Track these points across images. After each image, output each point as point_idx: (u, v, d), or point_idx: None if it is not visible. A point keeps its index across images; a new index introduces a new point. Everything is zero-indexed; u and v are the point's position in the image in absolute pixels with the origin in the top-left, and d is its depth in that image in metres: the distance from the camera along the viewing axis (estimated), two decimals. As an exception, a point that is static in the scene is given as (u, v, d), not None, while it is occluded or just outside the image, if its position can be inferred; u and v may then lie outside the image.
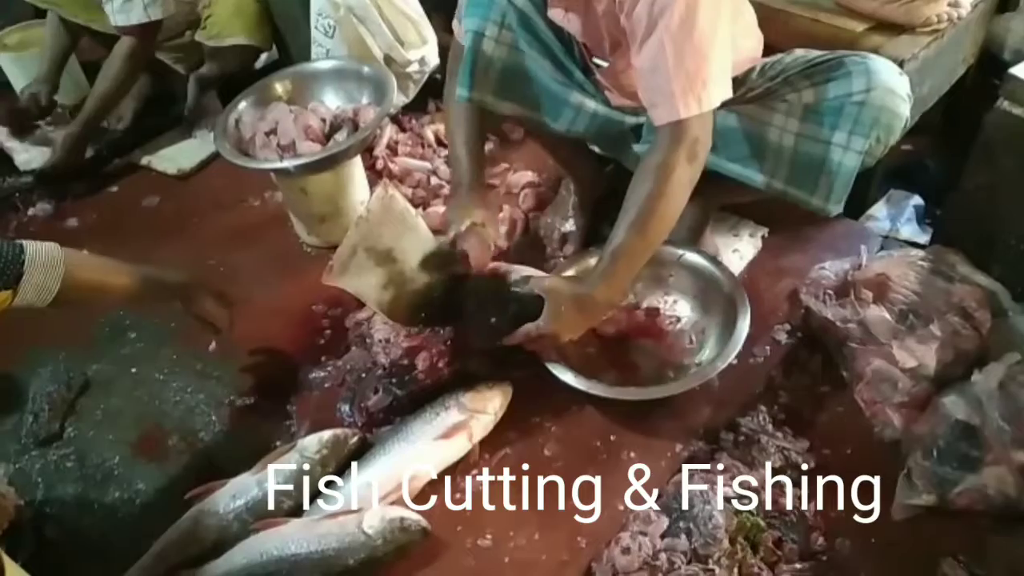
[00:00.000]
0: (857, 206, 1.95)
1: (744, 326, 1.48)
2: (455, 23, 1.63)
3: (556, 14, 1.47)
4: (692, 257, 1.63)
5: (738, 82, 1.50)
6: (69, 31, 2.42)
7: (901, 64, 1.63)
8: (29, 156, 2.36)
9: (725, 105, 1.42)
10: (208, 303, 1.56)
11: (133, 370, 1.78)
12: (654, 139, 1.38)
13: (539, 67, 1.54)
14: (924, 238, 1.94)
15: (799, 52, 1.53)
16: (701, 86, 1.30)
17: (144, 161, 2.40)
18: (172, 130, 2.48)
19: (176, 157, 2.39)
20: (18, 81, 2.56)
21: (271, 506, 1.40)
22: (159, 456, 1.60)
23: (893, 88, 1.41)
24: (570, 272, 1.64)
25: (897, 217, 2.05)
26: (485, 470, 1.47)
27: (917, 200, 2.08)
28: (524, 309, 1.42)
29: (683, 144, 1.32)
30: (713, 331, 1.57)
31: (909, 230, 2.01)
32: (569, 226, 1.86)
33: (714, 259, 1.64)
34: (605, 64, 1.47)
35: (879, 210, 2.07)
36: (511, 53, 1.52)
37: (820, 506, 1.37)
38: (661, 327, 1.62)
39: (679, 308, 1.64)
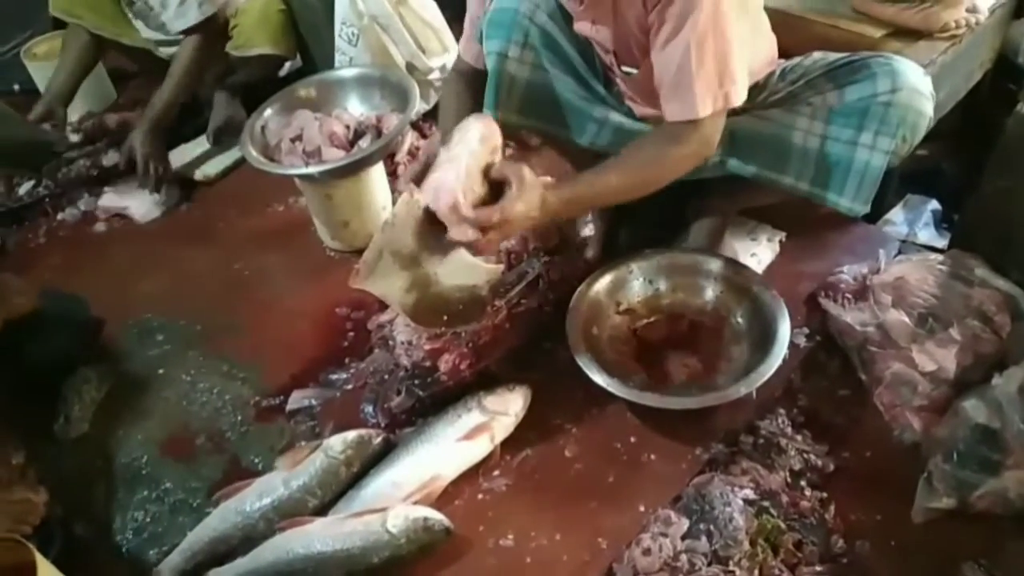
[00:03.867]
0: (875, 211, 1.95)
1: (776, 359, 1.45)
2: (463, 43, 1.65)
3: (583, 27, 1.49)
4: (745, 276, 1.62)
5: (759, 86, 1.51)
6: (95, 45, 2.45)
7: (919, 70, 1.64)
8: (146, 208, 2.30)
9: (748, 110, 1.44)
10: None
11: (160, 371, 1.81)
12: (667, 126, 1.40)
13: (563, 84, 1.57)
14: (941, 242, 1.94)
15: (817, 55, 1.54)
16: (720, 87, 1.33)
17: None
18: (198, 137, 2.52)
19: (202, 163, 2.43)
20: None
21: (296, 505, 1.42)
22: (186, 456, 1.63)
23: (918, 88, 1.42)
24: (607, 279, 1.65)
25: (914, 222, 2.05)
26: (507, 471, 1.49)
27: (934, 205, 2.08)
28: None
29: (694, 140, 1.37)
30: (749, 353, 1.54)
31: (927, 234, 2.01)
32: (588, 230, 1.88)
33: (764, 282, 1.61)
34: (635, 71, 1.48)
35: (896, 215, 2.07)
36: (534, 72, 1.55)
37: (839, 509, 1.38)
38: (700, 342, 1.62)
39: (723, 326, 1.63)
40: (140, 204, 2.28)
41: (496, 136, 1.38)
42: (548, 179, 1.37)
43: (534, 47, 1.53)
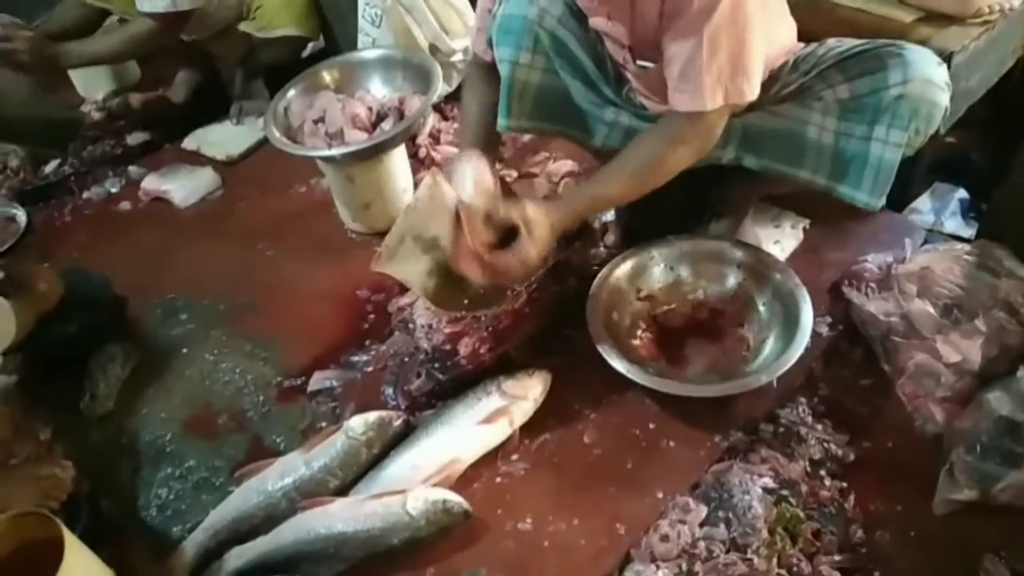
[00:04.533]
0: (901, 199, 1.93)
1: (798, 349, 1.44)
2: (475, 34, 1.63)
3: (598, 22, 1.48)
4: (768, 264, 1.61)
5: (772, 77, 1.49)
6: (102, 18, 2.42)
7: (950, 56, 1.61)
8: (186, 192, 2.28)
9: (762, 105, 1.42)
10: None
11: (184, 351, 1.83)
12: (671, 116, 1.40)
13: (573, 88, 1.57)
14: (968, 232, 1.91)
15: (832, 42, 1.49)
16: (732, 80, 1.32)
17: (194, 147, 2.46)
18: (221, 117, 2.53)
19: (225, 143, 2.44)
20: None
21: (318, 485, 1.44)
22: (209, 434, 1.65)
23: (931, 78, 1.38)
24: (628, 265, 1.66)
25: (941, 211, 2.03)
26: (525, 455, 1.50)
27: (962, 194, 2.05)
28: None
29: (699, 131, 1.38)
30: (771, 342, 1.54)
31: (953, 224, 1.99)
32: (609, 215, 1.88)
33: (787, 270, 1.59)
34: (651, 66, 1.47)
35: (923, 203, 2.05)
36: (545, 76, 1.56)
37: (859, 499, 1.38)
38: (722, 330, 1.61)
39: (745, 314, 1.62)
40: (180, 188, 2.29)
41: (488, 178, 1.43)
42: (550, 201, 1.47)
43: (544, 52, 1.53)
